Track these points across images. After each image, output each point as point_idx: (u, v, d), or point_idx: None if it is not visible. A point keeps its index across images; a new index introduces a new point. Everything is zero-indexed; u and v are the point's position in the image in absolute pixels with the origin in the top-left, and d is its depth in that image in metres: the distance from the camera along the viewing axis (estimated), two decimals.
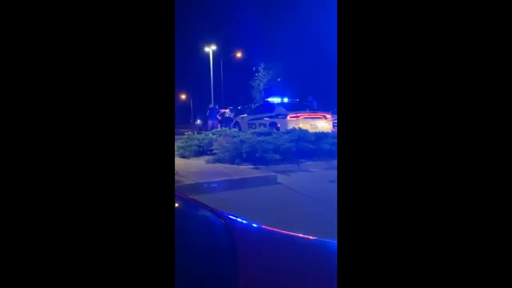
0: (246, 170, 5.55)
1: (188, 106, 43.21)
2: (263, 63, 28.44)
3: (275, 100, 17.34)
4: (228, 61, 33.09)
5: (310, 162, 6.45)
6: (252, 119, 13.87)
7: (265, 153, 6.02)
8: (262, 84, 28.29)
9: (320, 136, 7.15)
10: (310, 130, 11.62)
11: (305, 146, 6.56)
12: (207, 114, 18.84)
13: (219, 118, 18.94)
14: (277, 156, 6.01)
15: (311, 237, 1.07)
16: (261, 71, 28.40)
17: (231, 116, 18.84)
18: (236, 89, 34.87)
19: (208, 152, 7.06)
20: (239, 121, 14.88)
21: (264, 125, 13.08)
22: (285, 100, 14.13)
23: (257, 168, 5.81)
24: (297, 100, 15.25)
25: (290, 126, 11.93)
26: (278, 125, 12.31)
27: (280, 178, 5.34)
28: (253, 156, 6.04)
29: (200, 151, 7.22)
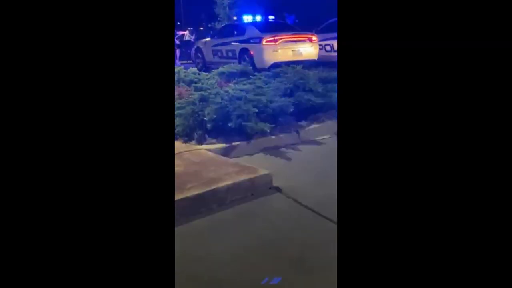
0: (210, 158, 3.08)
1: None
2: None
3: (246, 19, 14.25)
4: None
5: (314, 125, 4.04)
6: (218, 45, 10.95)
7: (244, 119, 3.52)
8: (226, 0, 24.43)
9: (327, 80, 4.64)
10: (292, 58, 9.11)
11: (307, 101, 4.09)
12: None
13: (178, 42, 15.71)
14: (265, 126, 3.52)
15: None
16: None
17: (192, 39, 15.67)
18: (197, 4, 30.69)
19: None
20: (201, 46, 11.89)
21: (233, 52, 10.27)
22: (258, 18, 11.07)
23: (229, 149, 3.37)
24: (273, 18, 12.14)
25: (267, 54, 9.29)
26: (251, 52, 9.57)
27: (274, 166, 2.95)
28: (224, 127, 3.53)
29: None
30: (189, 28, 17.49)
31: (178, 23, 23.35)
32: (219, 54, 10.86)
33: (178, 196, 2.33)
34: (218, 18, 24.52)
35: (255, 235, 2.12)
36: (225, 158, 3.12)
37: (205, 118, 3.51)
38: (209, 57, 11.42)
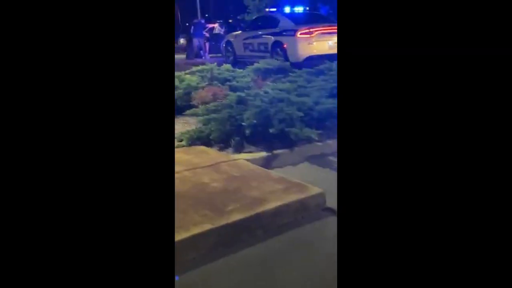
0: (252, 172, 2.70)
1: (176, 20, 38.49)
2: None
3: (277, 10, 13.78)
4: None
5: None
6: (249, 38, 10.55)
7: (287, 124, 3.12)
8: None
9: None
10: (328, 51, 8.59)
11: None
12: (191, 31, 15.23)
13: (207, 35, 15.40)
14: (312, 132, 3.11)
15: None
16: None
17: (222, 33, 15.32)
18: None
19: (183, 113, 4.16)
20: (232, 40, 11.53)
21: (265, 45, 9.85)
22: (287, 10, 10.56)
23: (270, 158, 2.98)
24: (307, 8, 11.59)
25: (301, 47, 8.82)
26: (285, 45, 9.14)
27: (323, 179, 2.52)
28: (264, 132, 3.14)
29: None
30: (218, 21, 17.16)
31: (207, 15, 23.08)
32: (251, 47, 10.46)
33: (219, 222, 1.97)
34: (248, 10, 24.09)
35: (308, 268, 1.74)
36: (268, 171, 2.74)
37: (243, 123, 3.13)
38: (240, 51, 11.04)
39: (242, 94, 3.43)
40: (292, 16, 9.57)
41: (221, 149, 3.20)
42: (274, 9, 11.50)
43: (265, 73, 5.05)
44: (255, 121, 3.09)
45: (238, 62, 11.06)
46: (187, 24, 23.80)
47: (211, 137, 3.18)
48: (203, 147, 3.19)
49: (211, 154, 3.06)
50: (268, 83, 4.49)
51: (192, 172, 2.65)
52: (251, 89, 3.91)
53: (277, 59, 9.31)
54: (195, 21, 16.08)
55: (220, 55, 14.17)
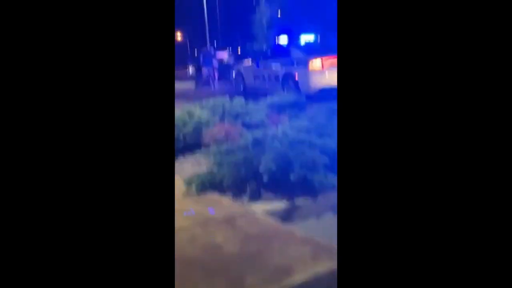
0: (272, 230, 2.34)
1: (185, 47, 38.71)
2: None
3: (282, 39, 13.64)
4: None
5: None
6: (260, 68, 10.36)
7: (309, 170, 2.78)
8: (264, 18, 24.09)
9: None
10: None
11: None
12: (201, 59, 15.14)
13: (216, 64, 15.31)
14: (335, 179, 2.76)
15: None
16: (263, 3, 24.02)
17: (231, 62, 15.22)
18: (234, 26, 30.58)
19: (192, 150, 3.83)
20: (242, 70, 11.36)
21: (276, 76, 9.63)
22: (304, 39, 10.36)
23: (291, 210, 2.63)
24: (318, 36, 11.40)
25: (313, 78, 8.57)
26: (296, 77, 8.91)
27: None
28: (284, 179, 2.80)
29: (179, 148, 3.97)
30: (227, 50, 17.13)
31: (215, 42, 23.22)
32: (261, 78, 10.25)
33: None
34: (256, 38, 24.25)
35: None
36: (291, 227, 2.38)
37: (260, 168, 2.80)
38: (250, 81, 10.84)
39: (258, 135, 3.11)
40: (303, 46, 9.36)
41: (236, 196, 2.86)
42: (285, 36, 11.32)
43: (280, 108, 4.75)
44: (273, 167, 2.75)
45: (249, 93, 10.87)
46: (195, 51, 23.94)
47: (224, 184, 2.84)
48: (215, 195, 2.85)
49: (225, 203, 2.72)
50: (284, 118, 4.18)
51: (203, 229, 2.31)
52: (267, 128, 3.59)
53: (290, 92, 9.16)
54: (204, 49, 16.05)
55: (229, 84, 14.02)
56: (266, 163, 2.80)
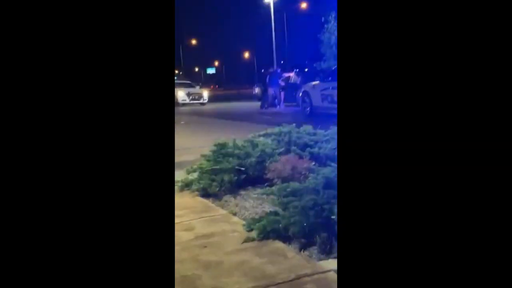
0: None
1: (253, 67, 39.18)
2: (334, 12, 23.48)
3: None
4: (293, 13, 28.68)
5: None
6: (327, 89, 9.91)
7: None
8: (333, 38, 23.57)
9: None
10: None
11: None
12: (267, 80, 15.00)
13: (282, 84, 15.07)
14: None
15: None
16: (332, 22, 23.56)
17: (298, 82, 14.90)
18: (302, 46, 30.43)
19: (256, 184, 3.49)
20: (309, 90, 10.96)
21: None
22: None
23: None
24: None
25: None
26: None
27: None
28: None
29: (241, 181, 3.63)
30: (295, 70, 16.86)
31: (282, 62, 23.11)
32: (329, 99, 9.79)
33: None
34: (324, 58, 23.77)
35: None
36: None
37: (333, 217, 2.36)
38: (317, 101, 10.42)
39: (330, 174, 2.67)
40: None
41: (303, 247, 2.44)
42: None
43: None
44: None
45: (316, 114, 10.44)
46: (262, 71, 23.98)
47: (290, 232, 2.43)
48: (278, 245, 2.45)
49: (290, 257, 2.30)
50: None
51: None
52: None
53: None
54: (271, 70, 15.92)
55: (295, 104, 13.69)
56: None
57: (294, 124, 4.29)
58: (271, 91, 14.45)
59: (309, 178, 2.86)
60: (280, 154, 3.78)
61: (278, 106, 14.52)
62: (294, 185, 2.74)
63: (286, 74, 16.29)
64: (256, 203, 3.25)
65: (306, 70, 17.57)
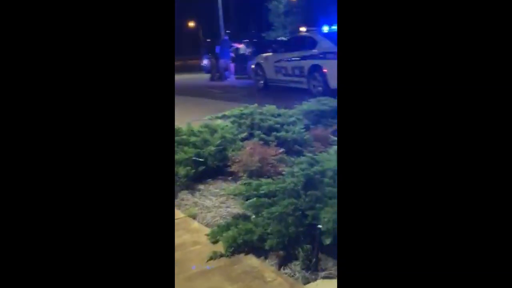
0: None
1: (197, 37, 37.58)
2: None
3: (302, 29, 12.66)
4: None
5: None
6: (282, 60, 9.44)
7: None
8: (281, 6, 22.93)
9: None
10: None
11: None
12: (217, 50, 14.22)
13: (232, 55, 14.39)
14: None
15: None
16: None
17: (247, 53, 14.26)
18: (247, 12, 29.43)
19: (217, 176, 2.99)
20: (262, 62, 10.43)
21: (301, 68, 8.71)
22: (325, 29, 9.37)
23: None
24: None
25: None
26: (324, 70, 7.99)
27: None
28: None
29: (202, 172, 3.11)
30: (244, 40, 16.15)
31: (228, 31, 22.23)
32: (284, 71, 9.33)
33: None
34: (272, 27, 23.12)
35: None
36: None
37: (318, 225, 1.93)
38: (271, 74, 9.93)
39: (309, 168, 2.23)
40: (332, 36, 8.37)
41: (283, 264, 2.00)
42: (314, 29, 10.29)
43: (320, 116, 3.85)
44: (335, 225, 1.87)
45: (270, 87, 9.96)
46: (208, 41, 22.97)
47: (266, 246, 1.98)
48: (253, 261, 1.99)
49: (267, 279, 1.85)
50: (330, 135, 3.29)
51: None
52: (314, 149, 2.71)
53: (316, 86, 8.22)
54: (221, 39, 15.11)
55: (246, 76, 13.10)
56: (326, 219, 1.92)
57: (256, 105, 3.79)
58: (222, 62, 13.70)
59: (284, 173, 2.40)
60: (243, 140, 3.28)
61: (228, 79, 13.87)
62: (267, 183, 2.26)
63: (236, 45, 15.54)
64: (218, 201, 2.77)
65: (255, 40, 16.91)
